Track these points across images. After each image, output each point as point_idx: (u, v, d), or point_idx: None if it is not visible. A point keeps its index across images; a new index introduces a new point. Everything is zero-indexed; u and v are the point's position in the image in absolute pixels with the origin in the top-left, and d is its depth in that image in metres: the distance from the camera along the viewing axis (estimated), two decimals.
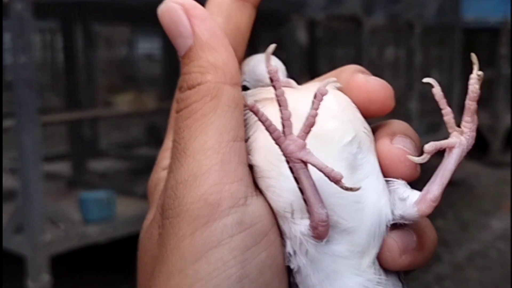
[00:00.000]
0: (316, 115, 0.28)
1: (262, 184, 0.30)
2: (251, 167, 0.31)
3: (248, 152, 0.31)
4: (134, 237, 0.30)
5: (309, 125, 0.28)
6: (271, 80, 0.29)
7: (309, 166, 0.28)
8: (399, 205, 0.31)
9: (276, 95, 0.28)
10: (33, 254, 2.44)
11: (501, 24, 5.84)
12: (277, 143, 0.28)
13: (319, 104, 0.28)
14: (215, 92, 0.31)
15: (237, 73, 0.32)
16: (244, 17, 0.37)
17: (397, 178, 0.32)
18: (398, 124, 0.33)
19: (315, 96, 0.28)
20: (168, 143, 0.36)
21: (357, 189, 0.28)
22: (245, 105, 0.31)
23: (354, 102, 0.32)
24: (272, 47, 0.29)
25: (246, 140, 0.31)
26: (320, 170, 0.27)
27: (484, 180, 5.34)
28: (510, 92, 6.22)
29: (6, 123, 3.03)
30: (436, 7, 4.80)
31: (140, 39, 4.80)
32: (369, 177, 0.30)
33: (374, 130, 0.33)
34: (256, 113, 0.28)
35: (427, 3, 4.68)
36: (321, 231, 0.28)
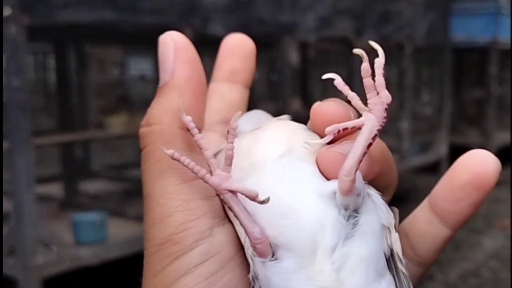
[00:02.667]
0: (231, 148, 0.31)
1: (227, 212, 0.32)
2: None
3: None
4: (126, 259, 0.31)
5: (228, 157, 0.31)
6: (188, 130, 0.32)
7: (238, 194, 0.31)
8: (337, 197, 0.31)
9: (196, 140, 0.31)
10: (25, 277, 2.43)
11: (490, 44, 5.90)
12: (204, 181, 0.31)
13: (232, 139, 0.31)
14: (168, 136, 0.33)
15: (199, 120, 0.34)
16: (236, 96, 0.39)
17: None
18: None
19: (228, 132, 0.31)
20: None
21: (267, 200, 0.29)
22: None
23: (314, 128, 0.33)
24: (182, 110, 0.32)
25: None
26: (241, 193, 0.30)
27: None
28: (500, 111, 6.27)
29: None
30: (425, 28, 4.85)
31: (132, 61, 4.81)
32: (303, 184, 0.31)
33: None
34: (177, 159, 0.31)
35: (417, 24, 4.73)
36: (260, 248, 0.30)
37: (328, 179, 0.31)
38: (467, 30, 5.79)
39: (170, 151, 0.31)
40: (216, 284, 0.31)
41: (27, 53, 2.48)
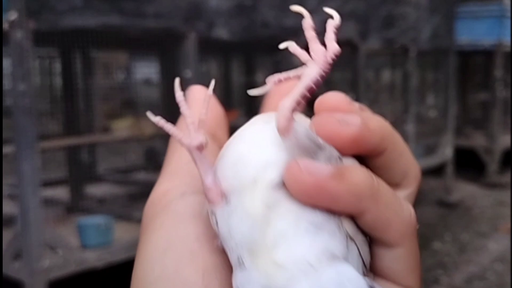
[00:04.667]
0: (204, 114, 0.32)
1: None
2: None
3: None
4: (132, 262, 0.32)
5: (193, 122, 0.32)
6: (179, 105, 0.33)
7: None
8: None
9: (182, 112, 0.33)
10: (31, 280, 2.44)
11: (495, 47, 5.90)
12: (180, 142, 0.32)
13: (206, 105, 0.32)
14: (168, 204, 0.34)
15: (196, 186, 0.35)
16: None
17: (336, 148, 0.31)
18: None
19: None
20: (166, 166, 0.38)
21: (202, 146, 0.31)
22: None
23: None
24: (177, 81, 0.33)
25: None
26: (185, 145, 0.31)
27: (481, 202, 5.35)
28: (505, 114, 6.26)
29: (5, 149, 3.05)
30: (430, 31, 4.85)
31: (138, 65, 4.83)
32: (259, 136, 0.31)
33: None
34: (161, 125, 0.32)
35: (422, 27, 4.73)
36: (209, 196, 0.30)
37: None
38: (471, 33, 5.79)
39: (155, 118, 0.32)
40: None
41: (33, 58, 2.50)
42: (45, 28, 2.42)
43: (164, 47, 3.43)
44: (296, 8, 0.32)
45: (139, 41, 3.34)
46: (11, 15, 2.24)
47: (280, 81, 0.31)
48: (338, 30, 0.31)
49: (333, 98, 0.32)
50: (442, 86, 5.41)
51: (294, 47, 0.31)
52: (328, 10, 0.31)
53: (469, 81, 6.96)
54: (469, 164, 5.96)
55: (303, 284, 0.28)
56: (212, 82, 0.33)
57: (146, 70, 4.94)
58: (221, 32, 3.05)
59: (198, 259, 0.31)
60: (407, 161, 0.33)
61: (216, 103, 0.39)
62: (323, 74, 0.30)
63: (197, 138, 0.31)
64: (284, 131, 0.29)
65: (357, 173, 0.29)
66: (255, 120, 0.33)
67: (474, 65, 7.05)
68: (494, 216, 4.76)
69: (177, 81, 0.33)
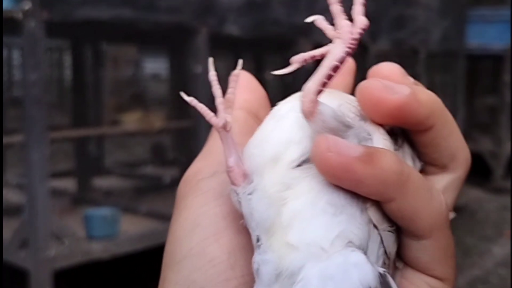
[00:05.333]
0: (232, 92, 0.32)
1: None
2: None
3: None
4: (137, 254, 0.32)
5: (228, 100, 0.32)
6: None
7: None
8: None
9: (213, 91, 0.32)
10: (37, 269, 2.46)
11: (505, 52, 5.88)
12: (210, 122, 0.32)
13: (234, 84, 0.32)
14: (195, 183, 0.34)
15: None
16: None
17: (378, 122, 0.30)
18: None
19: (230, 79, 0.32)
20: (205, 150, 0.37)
21: (227, 126, 0.31)
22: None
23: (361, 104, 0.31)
24: (211, 59, 0.33)
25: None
26: (215, 125, 0.31)
27: (486, 206, 5.34)
28: None
29: (13, 138, 3.07)
30: (440, 33, 4.85)
31: (147, 59, 4.85)
32: (284, 119, 0.31)
33: None
34: (194, 105, 0.32)
35: (432, 30, 4.73)
36: (232, 176, 0.30)
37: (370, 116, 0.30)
38: (481, 37, 5.77)
39: (189, 98, 0.32)
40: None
41: (44, 50, 2.51)
42: (58, 19, 2.43)
43: (174, 42, 3.44)
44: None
45: (149, 35, 3.36)
46: (26, 4, 2.26)
47: (305, 60, 0.30)
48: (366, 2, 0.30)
49: (387, 68, 0.31)
50: (450, 89, 5.41)
51: (320, 21, 0.30)
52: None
53: (477, 85, 6.94)
54: (475, 168, 5.89)
55: (312, 268, 0.27)
56: (240, 62, 0.33)
57: (155, 65, 4.96)
58: (232, 28, 3.06)
59: (224, 238, 0.31)
60: (457, 143, 0.31)
61: (258, 85, 0.39)
62: (350, 51, 0.28)
63: (223, 118, 0.31)
64: (309, 114, 0.28)
65: (387, 157, 0.27)
66: (290, 98, 0.32)
67: (483, 69, 7.03)
68: (499, 220, 4.75)
69: (210, 60, 0.33)
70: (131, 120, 3.56)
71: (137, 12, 2.69)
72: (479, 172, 6.00)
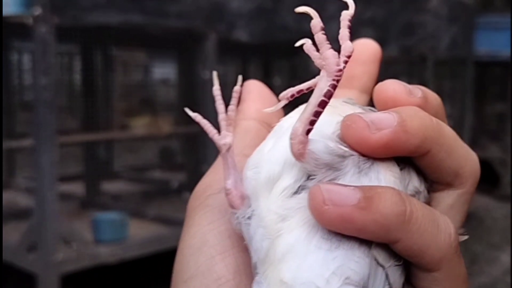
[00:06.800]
0: (232, 109, 0.32)
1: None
2: None
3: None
4: (144, 259, 0.31)
5: (229, 117, 0.32)
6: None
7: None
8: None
9: (216, 101, 0.32)
10: (45, 273, 2.47)
11: None
12: (212, 139, 0.31)
13: (234, 101, 0.32)
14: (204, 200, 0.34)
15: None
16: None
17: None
18: None
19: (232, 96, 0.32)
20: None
21: (227, 146, 0.31)
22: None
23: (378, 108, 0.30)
24: (215, 73, 0.32)
25: None
26: (216, 141, 0.31)
27: (494, 213, 5.32)
28: None
29: (23, 142, 3.08)
30: (448, 40, 4.84)
31: (156, 64, 4.86)
32: (280, 143, 0.30)
33: None
34: (198, 121, 0.32)
35: (440, 36, 4.73)
36: (229, 199, 0.30)
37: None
38: (490, 44, 5.76)
39: (193, 114, 0.32)
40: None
41: (54, 54, 2.53)
42: (68, 24, 2.45)
43: (183, 47, 3.46)
44: (301, 9, 0.29)
45: (159, 40, 3.37)
46: (36, 10, 2.28)
47: (293, 96, 0.30)
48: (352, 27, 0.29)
49: (391, 88, 0.30)
50: (459, 96, 5.40)
51: (309, 47, 0.29)
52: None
53: (486, 92, 6.93)
54: (483, 175, 5.89)
55: None
56: (240, 78, 0.33)
57: (164, 69, 4.97)
58: (241, 34, 3.07)
59: (230, 258, 0.31)
60: (459, 159, 0.30)
61: (270, 93, 0.38)
62: (335, 83, 0.27)
63: (224, 137, 0.31)
64: (300, 156, 0.27)
65: (387, 199, 0.26)
66: (293, 113, 0.31)
67: (492, 76, 7.01)
68: (507, 228, 4.73)
69: (214, 73, 0.32)
70: (140, 125, 3.57)
71: (146, 17, 2.70)
72: (487, 179, 5.98)
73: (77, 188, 3.51)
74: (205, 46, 2.90)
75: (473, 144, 5.71)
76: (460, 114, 5.35)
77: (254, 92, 0.37)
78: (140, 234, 2.86)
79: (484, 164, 6.27)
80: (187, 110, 0.32)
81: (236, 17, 3.03)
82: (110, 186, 3.68)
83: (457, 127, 5.35)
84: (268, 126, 0.35)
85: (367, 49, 0.39)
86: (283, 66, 4.71)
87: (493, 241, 4.52)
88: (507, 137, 6.06)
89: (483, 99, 6.83)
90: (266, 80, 4.93)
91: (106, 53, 3.61)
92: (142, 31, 2.87)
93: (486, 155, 6.09)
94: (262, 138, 0.32)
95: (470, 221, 5.02)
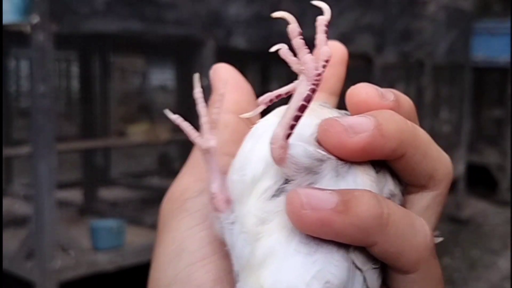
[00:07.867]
0: (217, 112, 0.31)
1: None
2: None
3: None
4: (142, 266, 0.31)
5: (212, 121, 0.31)
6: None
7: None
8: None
9: (198, 110, 0.31)
10: (43, 280, 2.46)
11: (511, 64, 5.88)
12: (194, 142, 0.31)
13: (219, 104, 0.32)
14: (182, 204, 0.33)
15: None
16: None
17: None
18: None
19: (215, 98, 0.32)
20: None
21: (209, 150, 0.30)
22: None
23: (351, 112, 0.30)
24: (197, 76, 0.32)
25: None
26: (199, 145, 0.31)
27: (492, 219, 5.33)
28: None
29: (21, 149, 3.08)
30: (446, 46, 4.86)
31: (154, 71, 4.87)
32: (262, 147, 0.29)
33: None
34: (178, 124, 0.31)
35: (438, 42, 4.74)
36: (214, 203, 0.30)
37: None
38: (487, 50, 5.78)
39: (173, 116, 0.31)
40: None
41: (53, 61, 2.53)
42: (67, 31, 2.45)
43: (182, 54, 3.46)
44: (279, 14, 0.29)
45: (157, 47, 3.37)
46: (34, 18, 2.28)
47: (271, 100, 0.30)
48: (328, 28, 0.29)
49: (364, 91, 0.30)
50: (457, 101, 5.41)
51: (285, 52, 0.29)
52: (316, 2, 0.29)
53: (484, 97, 6.94)
54: (481, 181, 5.93)
55: None
56: (196, 76, 0.32)
57: (162, 76, 4.98)
58: (239, 41, 3.07)
59: (210, 264, 0.30)
60: (433, 162, 0.30)
61: (244, 81, 0.37)
62: (315, 87, 0.28)
63: (208, 140, 0.31)
64: (280, 161, 0.27)
65: (364, 202, 0.26)
66: (270, 115, 0.31)
67: (490, 82, 7.03)
68: (505, 234, 4.73)
69: (196, 76, 0.31)
70: (138, 132, 3.57)
71: (145, 24, 2.71)
72: (485, 184, 5.98)
73: (75, 195, 3.51)
74: (203, 53, 2.90)
75: (471, 149, 5.71)
76: (458, 119, 5.36)
77: (230, 81, 0.36)
78: (138, 241, 2.86)
79: (482, 169, 6.28)
80: (167, 112, 0.32)
81: (234, 24, 3.03)
82: (108, 193, 3.67)
83: (455, 132, 5.36)
84: (246, 119, 0.34)
85: (335, 51, 0.38)
86: (281, 73, 4.73)
87: (491, 246, 4.52)
88: (505, 142, 6.07)
89: (481, 104, 6.84)
90: (264, 86, 4.93)
91: (104, 60, 3.61)
92: (140, 39, 2.87)
93: (484, 161, 6.10)
94: (241, 133, 0.32)
95: (468, 226, 5.03)
